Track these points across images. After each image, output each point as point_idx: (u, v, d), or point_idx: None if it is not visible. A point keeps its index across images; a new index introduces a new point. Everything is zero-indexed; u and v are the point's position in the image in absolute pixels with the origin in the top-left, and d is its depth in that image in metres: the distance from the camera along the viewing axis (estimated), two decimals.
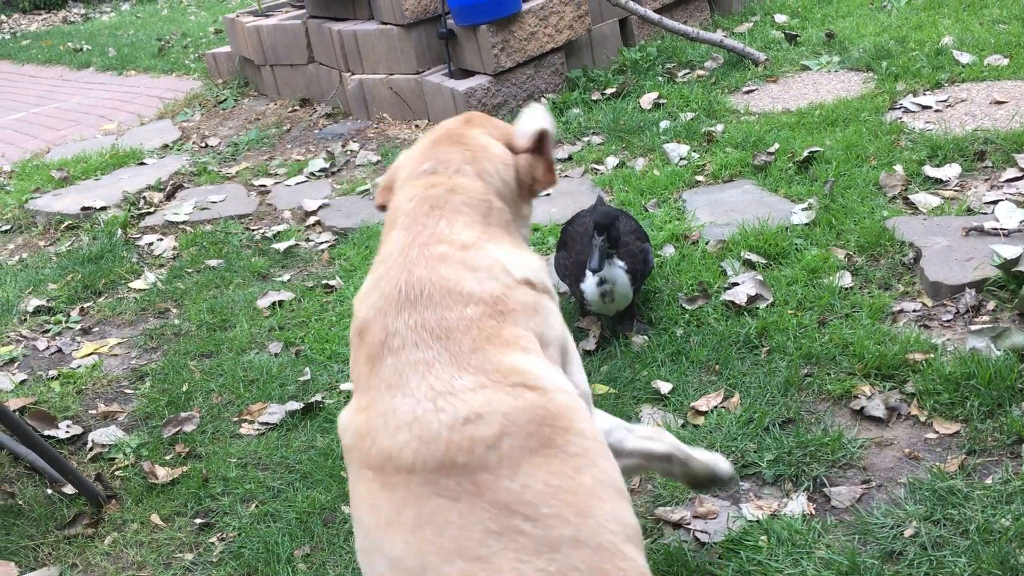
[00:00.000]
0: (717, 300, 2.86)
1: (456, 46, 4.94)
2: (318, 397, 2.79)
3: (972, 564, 1.78)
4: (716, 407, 2.42)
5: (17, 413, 2.61)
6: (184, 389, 2.97)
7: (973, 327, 2.52)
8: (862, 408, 2.31)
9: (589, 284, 2.70)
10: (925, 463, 2.11)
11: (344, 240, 3.91)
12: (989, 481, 2.00)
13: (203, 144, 5.59)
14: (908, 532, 1.90)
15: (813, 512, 2.03)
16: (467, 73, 4.91)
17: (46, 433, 2.77)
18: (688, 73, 5.00)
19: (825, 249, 3.00)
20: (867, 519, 1.96)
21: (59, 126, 6.79)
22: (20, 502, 2.50)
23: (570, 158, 4.28)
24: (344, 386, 2.85)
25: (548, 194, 3.92)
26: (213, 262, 3.88)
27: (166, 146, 5.67)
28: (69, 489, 2.51)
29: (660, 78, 4.96)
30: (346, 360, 2.99)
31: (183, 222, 4.36)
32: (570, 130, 4.54)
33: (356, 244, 3.80)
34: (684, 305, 2.88)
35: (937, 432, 2.19)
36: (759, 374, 2.51)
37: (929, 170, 3.39)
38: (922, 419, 2.24)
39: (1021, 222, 2.89)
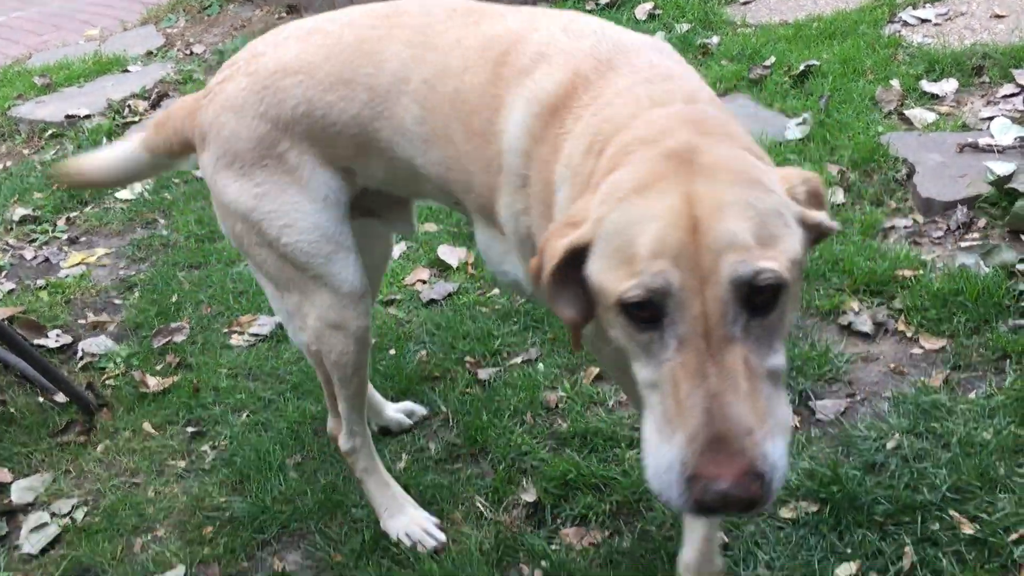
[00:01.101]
0: None
1: None
2: None
3: (952, 476, 1.81)
4: None
5: (6, 322, 2.61)
6: (173, 300, 2.96)
7: (963, 244, 2.52)
8: (850, 323, 2.33)
9: None
10: (910, 378, 2.13)
11: None
12: (972, 396, 2.03)
13: (188, 52, 5.47)
14: (890, 444, 1.93)
15: (798, 425, 2.06)
16: None
17: (36, 342, 2.77)
18: None
19: (818, 165, 2.97)
20: (851, 432, 1.99)
21: (41, 31, 6.61)
22: (12, 410, 2.52)
23: None
24: None
25: None
26: (200, 173, 3.82)
27: (150, 53, 5.54)
28: (61, 397, 2.52)
29: None
30: None
31: None
32: None
33: None
34: None
35: (923, 347, 2.21)
36: None
37: (926, 85, 3.35)
38: (908, 335, 2.26)
39: (1016, 139, 2.86)
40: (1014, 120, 2.98)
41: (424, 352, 2.55)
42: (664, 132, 1.20)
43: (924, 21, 3.90)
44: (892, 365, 2.19)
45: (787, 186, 1.16)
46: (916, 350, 2.21)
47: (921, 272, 2.42)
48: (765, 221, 1.08)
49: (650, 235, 1.06)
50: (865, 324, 2.31)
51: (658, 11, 4.53)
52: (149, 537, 2.08)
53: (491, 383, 2.39)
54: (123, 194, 3.76)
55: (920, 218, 2.68)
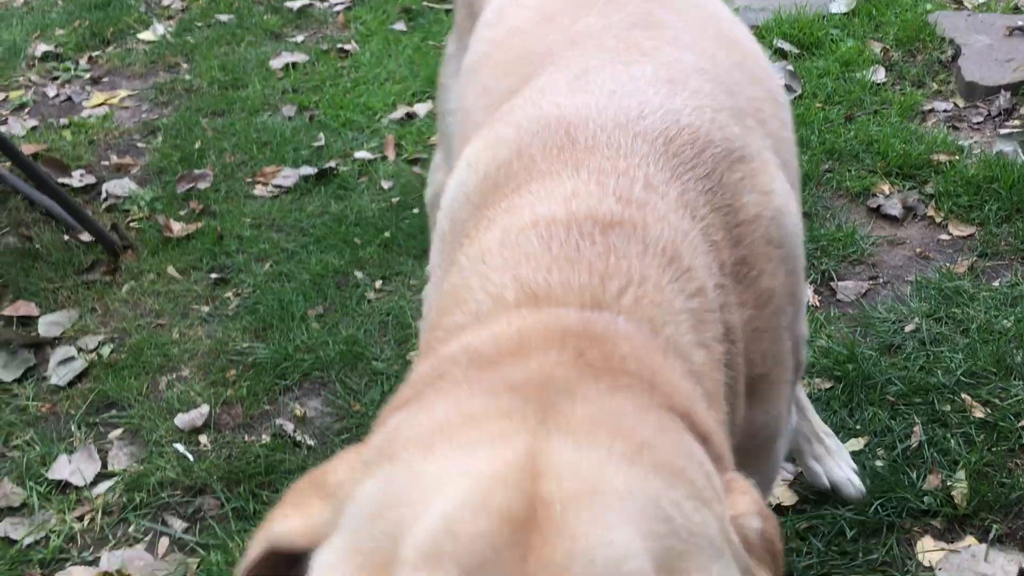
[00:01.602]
0: None
1: None
2: (332, 164, 2.77)
3: (968, 361, 1.83)
4: None
5: (31, 159, 2.60)
6: (197, 146, 2.94)
7: (1003, 130, 2.46)
8: (879, 206, 2.30)
9: None
10: (934, 263, 2.12)
11: (361, 2, 3.75)
12: (996, 284, 2.02)
13: None
14: (909, 328, 1.94)
15: (818, 304, 2.07)
16: None
17: (60, 181, 2.77)
18: None
19: (861, 41, 2.88)
20: (870, 313, 2.00)
21: None
22: (37, 246, 2.54)
23: None
24: (358, 154, 2.82)
25: None
26: (224, 17, 3.74)
27: None
28: (86, 236, 2.54)
29: None
30: (360, 128, 2.95)
31: None
32: None
33: (373, 8, 3.65)
34: None
35: (951, 234, 2.19)
36: None
37: None
38: (938, 220, 2.24)
39: None
40: None
41: None
42: (520, 350, 0.68)
43: None
44: (918, 250, 2.17)
45: (734, 511, 0.64)
46: (944, 236, 2.20)
47: (957, 158, 2.37)
48: (679, 547, 0.55)
49: (432, 524, 0.53)
50: (895, 208, 2.28)
51: None
52: (174, 376, 2.14)
53: None
54: (145, 35, 3.69)
55: (961, 102, 2.61)
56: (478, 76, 1.27)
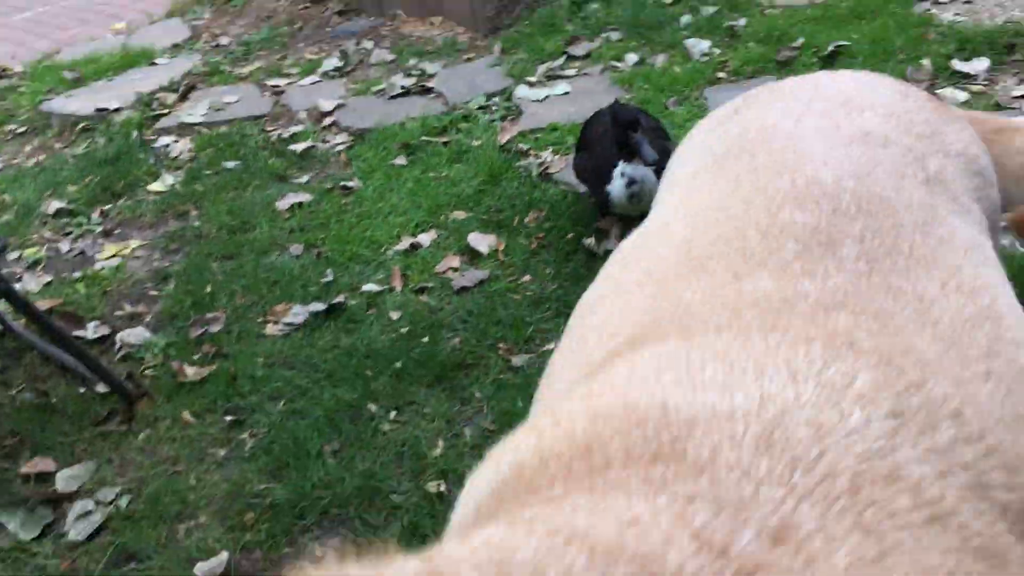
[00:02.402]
0: None
1: None
2: (340, 298, 2.82)
3: None
4: None
5: (46, 314, 2.65)
6: (208, 290, 3.00)
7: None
8: None
9: (616, 186, 2.67)
10: None
11: (361, 141, 3.88)
12: None
13: (214, 43, 5.50)
14: None
15: None
16: None
17: (74, 334, 2.81)
18: None
19: None
20: None
21: (68, 25, 6.67)
22: (53, 400, 2.56)
23: (588, 55, 4.19)
24: (366, 287, 2.87)
25: (567, 93, 3.86)
26: (230, 164, 3.87)
27: (177, 45, 5.58)
28: (101, 387, 2.56)
29: None
30: (366, 262, 3.01)
31: (198, 123, 4.32)
32: (588, 26, 4.44)
33: (373, 145, 3.78)
34: None
35: None
36: None
37: (957, 64, 3.32)
38: None
39: None
40: None
41: (457, 339, 2.57)
42: None
43: None
44: None
45: None
46: None
47: None
48: None
49: None
50: None
51: None
52: (192, 523, 2.12)
53: (524, 369, 2.41)
54: (155, 186, 3.81)
55: None
56: (581, 324, 1.01)
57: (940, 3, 3.85)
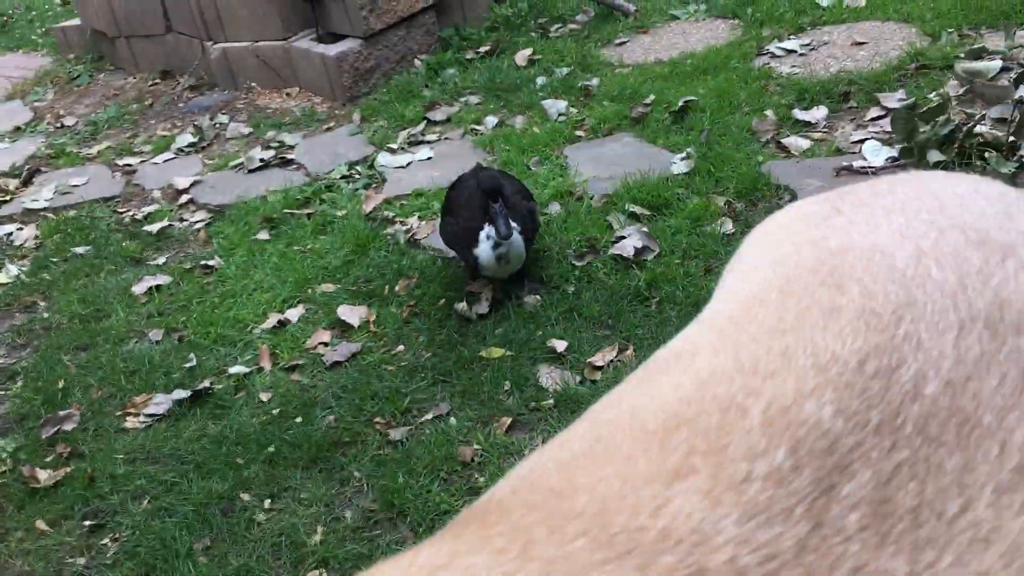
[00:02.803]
0: (606, 254, 2.88)
1: (323, 9, 4.78)
2: (206, 383, 2.69)
3: None
4: (612, 361, 2.45)
5: None
6: (60, 386, 2.81)
7: None
8: None
9: (484, 249, 2.66)
10: None
11: (220, 217, 3.76)
12: None
13: (59, 124, 5.28)
14: None
15: None
16: (336, 37, 4.76)
17: None
18: (560, 28, 4.99)
19: (706, 197, 3.05)
20: None
21: None
22: None
23: (449, 120, 4.22)
24: (233, 370, 2.75)
25: (430, 158, 3.86)
26: (80, 249, 3.68)
27: (18, 128, 5.33)
28: None
29: (533, 34, 4.93)
30: (232, 343, 2.89)
31: (44, 208, 4.11)
32: (447, 91, 4.47)
33: (234, 221, 3.67)
34: (573, 262, 2.89)
35: None
36: (651, 325, 2.54)
37: (798, 113, 3.49)
38: None
39: (887, 159, 3.00)
40: (883, 142, 3.13)
41: (332, 417, 2.48)
42: None
43: (790, 52, 4.07)
44: None
45: None
46: None
47: None
48: None
49: None
50: None
51: (537, 56, 4.61)
52: None
53: (403, 443, 2.34)
54: None
55: None
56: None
57: (777, 56, 4.06)
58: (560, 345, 2.54)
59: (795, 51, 4.07)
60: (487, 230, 2.65)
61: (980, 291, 0.61)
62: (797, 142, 3.30)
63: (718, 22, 4.68)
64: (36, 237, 3.87)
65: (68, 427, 2.62)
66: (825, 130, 3.38)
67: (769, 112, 3.51)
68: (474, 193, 2.69)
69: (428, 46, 4.90)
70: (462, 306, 2.79)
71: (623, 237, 2.91)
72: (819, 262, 0.68)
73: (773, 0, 4.64)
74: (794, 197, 2.93)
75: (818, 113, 3.48)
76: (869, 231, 0.70)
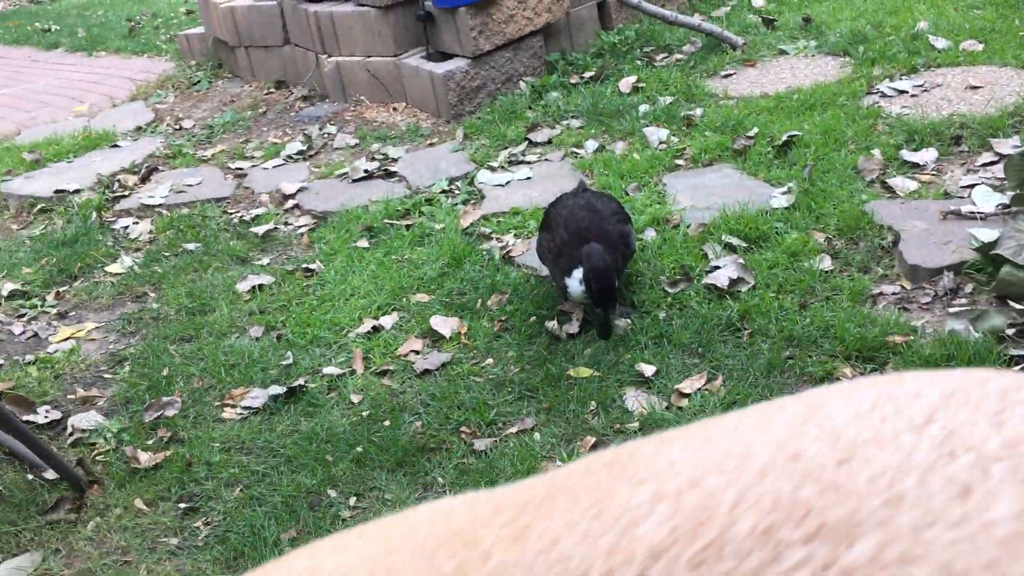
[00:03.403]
0: (699, 283, 2.88)
1: (434, 28, 4.91)
2: (301, 381, 2.78)
3: None
4: (699, 389, 2.44)
5: None
6: (164, 373, 2.94)
7: (952, 309, 2.55)
8: None
9: (573, 282, 2.68)
10: None
11: (323, 224, 3.89)
12: None
13: (177, 126, 5.53)
14: None
15: None
16: (445, 56, 4.88)
17: (24, 418, 2.73)
18: (666, 57, 5.01)
19: (805, 232, 3.02)
20: None
21: (29, 108, 6.67)
22: (0, 488, 2.48)
23: (550, 142, 4.27)
24: (327, 370, 2.84)
25: (529, 178, 3.92)
26: (191, 245, 3.84)
27: (139, 128, 5.60)
28: (50, 474, 2.48)
29: (639, 62, 4.96)
30: (328, 344, 2.98)
31: (159, 205, 4.31)
32: (549, 113, 4.53)
33: (335, 228, 3.78)
34: (666, 288, 2.90)
35: None
36: (742, 356, 2.53)
37: (906, 154, 3.43)
38: None
39: (997, 206, 2.93)
40: (994, 188, 3.05)
41: (419, 423, 2.54)
42: None
43: (901, 92, 4.00)
44: None
45: None
46: None
47: (912, 338, 2.45)
48: None
49: None
50: None
51: (641, 84, 4.64)
52: None
53: (487, 453, 2.38)
54: (113, 268, 3.77)
55: (908, 284, 2.72)
56: None
57: (887, 96, 3.99)
58: (648, 369, 2.54)
59: (906, 91, 4.00)
60: (581, 271, 2.64)
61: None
62: (904, 183, 3.24)
63: (828, 59, 4.63)
64: (150, 232, 4.06)
65: (170, 413, 2.74)
66: (933, 172, 3.32)
67: (876, 151, 3.46)
68: (572, 212, 2.74)
69: (534, 69, 4.98)
70: (552, 324, 2.82)
71: (718, 267, 2.91)
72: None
73: (886, 40, 4.58)
74: (897, 238, 2.88)
75: (927, 155, 3.41)
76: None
